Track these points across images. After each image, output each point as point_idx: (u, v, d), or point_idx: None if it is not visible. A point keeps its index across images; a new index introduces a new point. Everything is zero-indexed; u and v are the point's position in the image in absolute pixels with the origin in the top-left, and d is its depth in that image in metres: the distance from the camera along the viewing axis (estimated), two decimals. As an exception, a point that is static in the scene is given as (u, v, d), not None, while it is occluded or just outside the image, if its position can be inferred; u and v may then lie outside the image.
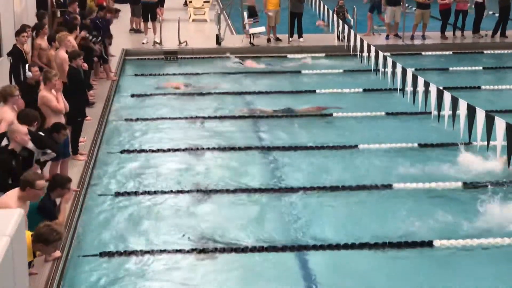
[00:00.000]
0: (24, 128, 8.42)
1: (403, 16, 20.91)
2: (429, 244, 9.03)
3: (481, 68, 18.53)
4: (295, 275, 8.52)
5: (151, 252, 8.92)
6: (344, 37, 18.19)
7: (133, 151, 12.46)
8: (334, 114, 14.53)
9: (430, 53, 20.09)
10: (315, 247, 9.04)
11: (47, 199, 7.97)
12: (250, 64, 18.88)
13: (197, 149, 12.55)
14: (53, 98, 10.25)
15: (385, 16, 21.05)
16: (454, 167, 11.57)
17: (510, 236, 9.18)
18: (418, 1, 20.66)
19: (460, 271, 8.54)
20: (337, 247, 9.02)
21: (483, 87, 16.51)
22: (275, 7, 20.40)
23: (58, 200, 8.22)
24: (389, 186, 10.88)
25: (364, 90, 16.26)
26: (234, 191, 10.78)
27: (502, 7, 20.71)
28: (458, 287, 8.21)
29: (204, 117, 14.36)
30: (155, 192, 10.70)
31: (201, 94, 16.11)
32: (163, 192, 10.72)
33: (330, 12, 19.35)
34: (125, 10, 22.15)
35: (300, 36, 20.74)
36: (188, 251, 8.95)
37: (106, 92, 15.59)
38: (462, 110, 10.17)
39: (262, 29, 20.65)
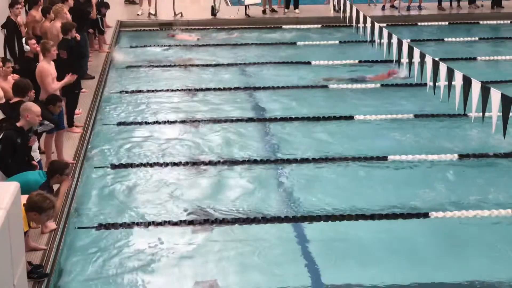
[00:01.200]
0: (37, 108, 8.35)
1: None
2: (425, 215, 9.09)
3: (477, 38, 18.46)
4: (292, 246, 8.57)
5: (146, 224, 8.95)
6: (340, 8, 18.10)
7: (129, 123, 12.46)
8: (330, 86, 14.50)
9: (426, 23, 19.99)
10: (312, 218, 9.08)
11: (46, 185, 7.94)
12: (182, 36, 18.69)
13: (193, 121, 12.55)
14: (49, 73, 10.23)
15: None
16: (450, 138, 11.61)
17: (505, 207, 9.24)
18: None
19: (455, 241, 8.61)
20: (334, 217, 9.07)
21: (479, 58, 16.47)
22: (272, -22, 20.29)
23: (55, 187, 8.20)
24: (384, 158, 10.90)
25: (360, 61, 16.21)
26: (230, 162, 10.81)
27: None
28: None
29: (199, 89, 14.34)
30: (150, 165, 10.72)
31: (200, 65, 16.09)
32: (159, 164, 10.73)
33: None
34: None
35: (296, 7, 20.63)
36: (184, 222, 8.98)
37: (101, 64, 15.52)
38: (458, 81, 10.18)
39: (257, 0, 20.51)
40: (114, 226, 8.91)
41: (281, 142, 11.74)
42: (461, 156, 10.88)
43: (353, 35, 17.00)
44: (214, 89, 14.35)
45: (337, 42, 18.08)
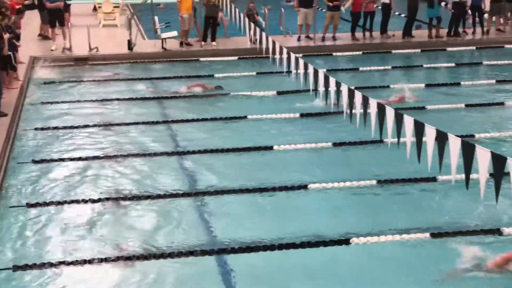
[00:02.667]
0: None
1: (315, 18, 21.19)
2: (346, 241, 9.17)
3: (390, 67, 18.96)
4: (215, 279, 8.48)
5: (66, 263, 8.69)
6: (256, 40, 18.29)
7: (44, 160, 12.14)
8: (249, 116, 14.56)
9: (341, 53, 20.44)
10: (234, 249, 9.01)
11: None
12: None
13: (111, 156, 12.35)
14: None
15: (298, 17, 21.27)
16: (368, 164, 11.81)
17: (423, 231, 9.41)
18: (329, 4, 20.96)
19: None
20: (257, 248, 9.03)
21: (391, 85, 16.88)
22: (188, 11, 20.34)
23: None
24: (304, 187, 10.97)
25: (278, 92, 16.37)
26: (149, 196, 10.65)
27: (410, 7, 21.27)
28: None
29: (117, 124, 14.17)
30: (68, 202, 10.45)
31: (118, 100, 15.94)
32: (77, 202, 10.47)
33: (241, 15, 19.42)
34: (33, 16, 21.65)
35: (213, 39, 20.76)
36: (105, 260, 8.77)
37: (14, 101, 15.13)
38: (373, 109, 10.37)
39: (174, 33, 20.52)
40: (30, 267, 8.61)
41: (201, 174, 11.66)
42: (380, 182, 11.06)
43: (270, 66, 17.20)
44: (132, 124, 14.20)
45: (254, 73, 18.23)
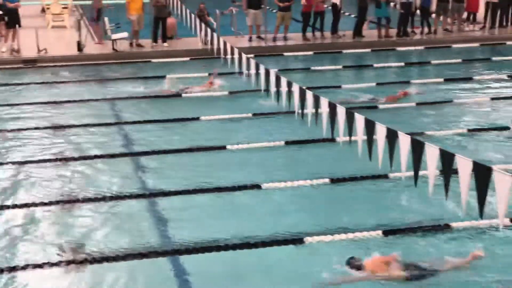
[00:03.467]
0: None
1: (265, 19, 21.26)
2: (300, 240, 9.23)
3: (341, 67, 19.13)
4: (169, 281, 8.44)
5: (18, 267, 8.56)
6: (208, 41, 18.28)
7: (-7, 164, 11.95)
8: (202, 117, 14.53)
9: (292, 54, 20.55)
10: (189, 251, 8.99)
11: None
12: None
13: (61, 159, 12.20)
14: None
15: (247, 19, 21.34)
16: (320, 163, 11.90)
17: (375, 229, 9.53)
18: (279, 4, 21.05)
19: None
20: (212, 249, 9.02)
21: (343, 86, 17.04)
22: (138, 11, 20.20)
23: None
24: (258, 186, 11.00)
25: (230, 92, 16.39)
26: (101, 198, 10.55)
27: (360, 7, 21.50)
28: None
29: (67, 126, 14.01)
30: (18, 206, 10.29)
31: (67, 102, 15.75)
32: (27, 205, 10.31)
33: (193, 15, 19.39)
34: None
35: (164, 41, 20.67)
36: (55, 264, 8.65)
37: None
38: (324, 108, 10.46)
39: (124, 34, 20.37)
40: (-19, 272, 8.46)
41: (154, 175, 11.61)
42: (333, 180, 11.15)
43: (222, 67, 17.19)
44: (83, 126, 14.05)
45: (206, 74, 18.20)
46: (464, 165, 7.37)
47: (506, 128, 13.70)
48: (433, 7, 22.26)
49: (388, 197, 10.63)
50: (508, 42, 21.72)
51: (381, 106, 15.10)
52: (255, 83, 13.79)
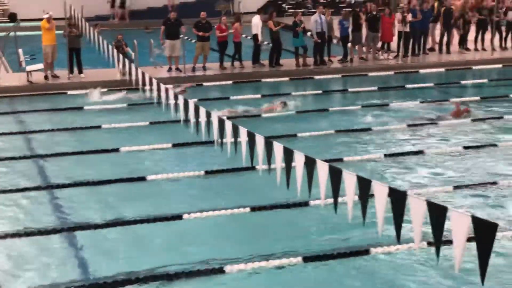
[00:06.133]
0: None
1: (183, 49, 21.27)
2: (220, 270, 9.17)
3: (259, 96, 19.27)
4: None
5: None
6: (126, 71, 18.11)
7: None
8: (121, 148, 14.35)
9: (211, 83, 20.58)
10: (110, 284, 8.80)
11: None
12: None
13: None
14: None
15: (165, 49, 21.30)
16: (241, 191, 11.90)
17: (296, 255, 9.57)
18: (198, 34, 21.12)
19: None
20: (133, 281, 8.87)
21: (263, 115, 17.16)
22: (51, 42, 19.84)
23: None
24: (179, 217, 10.90)
25: (150, 123, 16.26)
26: (17, 234, 10.25)
27: (273, 38, 21.79)
28: None
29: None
30: None
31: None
32: None
33: (110, 46, 19.21)
34: None
35: (80, 71, 20.37)
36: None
37: None
38: (243, 137, 10.49)
39: (39, 66, 19.98)
40: None
41: (74, 208, 11.38)
42: (253, 209, 11.15)
43: (141, 98, 17.06)
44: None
45: (125, 105, 18.03)
46: (380, 191, 7.50)
47: (420, 153, 14.06)
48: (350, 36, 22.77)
49: (308, 224, 10.73)
50: (421, 70, 22.38)
51: (300, 135, 15.25)
52: (174, 114, 13.72)
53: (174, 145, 14.58)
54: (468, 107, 17.25)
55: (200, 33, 20.94)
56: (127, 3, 32.41)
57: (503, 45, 24.47)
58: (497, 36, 24.30)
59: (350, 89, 20.18)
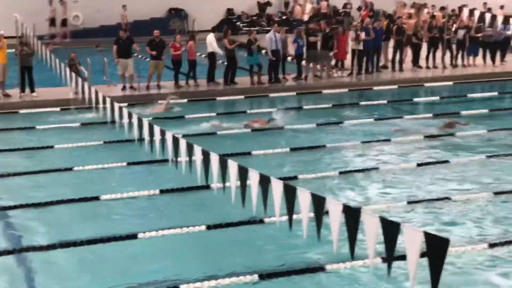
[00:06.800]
0: None
1: (137, 67, 21.16)
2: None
3: (215, 114, 19.24)
4: None
5: None
6: (79, 90, 17.92)
7: None
8: (75, 168, 14.17)
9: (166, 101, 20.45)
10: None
11: None
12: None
13: None
14: None
15: (118, 68, 21.16)
16: (196, 210, 11.85)
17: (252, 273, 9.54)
18: (151, 53, 21.04)
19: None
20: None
21: (218, 132, 17.13)
22: (2, 61, 19.56)
23: None
24: (134, 236, 10.79)
25: (105, 142, 16.10)
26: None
27: (228, 56, 21.84)
28: None
29: None
30: None
31: None
32: None
33: (62, 65, 19.01)
34: None
35: (32, 90, 20.09)
36: None
37: None
38: (198, 156, 10.44)
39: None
40: None
41: (25, 228, 11.20)
42: (209, 227, 11.11)
43: (94, 116, 16.90)
44: None
45: (78, 124, 17.83)
46: (334, 208, 7.52)
47: (374, 169, 14.19)
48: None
49: (264, 242, 10.72)
50: (375, 87, 22.64)
51: (254, 152, 15.26)
52: (128, 132, 13.61)
53: (129, 164, 14.46)
54: (456, 120, 17.83)
55: (154, 52, 20.84)
56: (79, 21, 32.18)
57: (453, 62, 24.92)
58: (448, 54, 24.75)
59: (304, 107, 20.29)
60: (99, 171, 14.15)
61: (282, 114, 18.38)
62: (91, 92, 15.91)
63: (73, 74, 18.14)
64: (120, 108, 13.98)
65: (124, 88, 21.14)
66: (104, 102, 14.95)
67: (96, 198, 12.44)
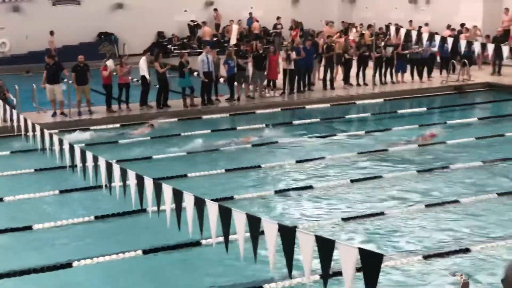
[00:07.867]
0: None
1: (68, 92, 20.87)
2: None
3: (149, 138, 19.08)
4: None
5: None
6: (7, 118, 17.54)
7: None
8: (5, 198, 13.85)
9: (98, 127, 20.22)
10: None
11: None
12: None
13: None
14: None
15: (47, 93, 20.79)
16: (132, 234, 11.71)
17: None
18: (72, 79, 20.75)
19: None
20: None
21: (154, 156, 17.00)
22: None
23: None
24: (69, 265, 10.60)
25: (35, 170, 15.79)
26: None
27: (159, 79, 21.76)
28: None
29: None
30: None
31: None
32: None
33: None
34: None
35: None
36: None
37: None
38: (132, 180, 10.35)
39: None
40: None
41: None
42: (145, 252, 11.00)
43: (24, 145, 16.57)
44: None
45: (8, 152, 17.44)
46: (269, 228, 7.56)
47: (309, 187, 14.32)
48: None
49: (201, 264, 10.69)
50: (307, 106, 22.88)
51: (190, 175, 15.21)
52: (60, 159, 13.37)
53: (61, 192, 14.22)
54: (433, 133, 18.57)
55: (72, 78, 20.49)
56: (6, 48, 31.59)
57: (383, 80, 25.41)
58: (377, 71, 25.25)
59: (238, 128, 20.32)
60: (31, 200, 13.86)
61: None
62: (20, 120, 15.60)
63: (1, 102, 17.76)
64: (51, 135, 13.74)
65: (54, 115, 20.80)
66: (34, 129, 14.67)
67: (29, 228, 12.16)
